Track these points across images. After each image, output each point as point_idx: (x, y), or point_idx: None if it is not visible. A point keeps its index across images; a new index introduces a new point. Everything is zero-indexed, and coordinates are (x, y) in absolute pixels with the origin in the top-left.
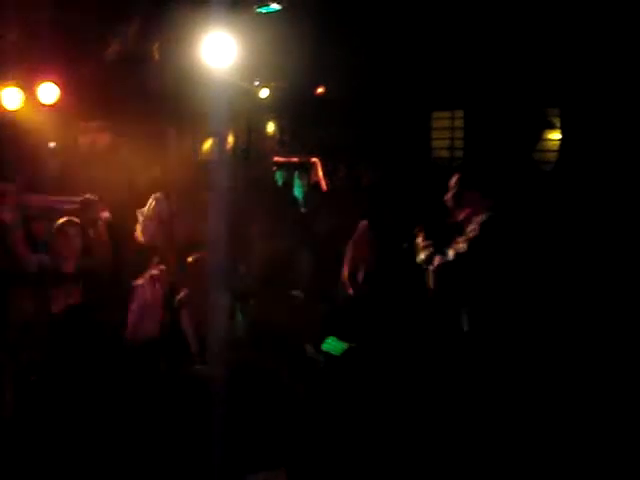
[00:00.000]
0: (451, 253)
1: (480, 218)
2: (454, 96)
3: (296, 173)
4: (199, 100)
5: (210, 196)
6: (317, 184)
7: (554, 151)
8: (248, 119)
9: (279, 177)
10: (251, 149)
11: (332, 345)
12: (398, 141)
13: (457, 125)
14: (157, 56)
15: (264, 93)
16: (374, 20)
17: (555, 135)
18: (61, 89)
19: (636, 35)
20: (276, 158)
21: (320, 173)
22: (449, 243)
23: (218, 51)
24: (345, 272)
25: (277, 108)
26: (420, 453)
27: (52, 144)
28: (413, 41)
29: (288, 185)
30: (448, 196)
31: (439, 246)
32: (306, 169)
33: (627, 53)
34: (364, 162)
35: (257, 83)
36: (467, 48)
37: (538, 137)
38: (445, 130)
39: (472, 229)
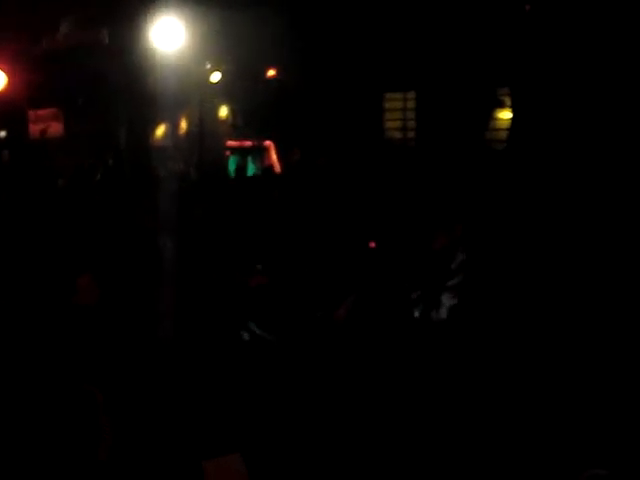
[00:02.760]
0: (443, 311)
1: (459, 256)
2: (406, 77)
3: (249, 157)
4: (150, 85)
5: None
6: (271, 167)
7: (505, 130)
8: (200, 104)
9: (233, 161)
10: (204, 134)
11: None
12: (351, 123)
13: (409, 106)
14: (106, 41)
15: (215, 77)
16: (326, 2)
17: (505, 114)
18: (8, 75)
19: (580, 13)
20: (229, 142)
21: (274, 156)
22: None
23: (167, 35)
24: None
25: (229, 92)
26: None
27: (1, 133)
28: (365, 23)
29: (242, 169)
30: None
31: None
32: (260, 153)
33: (573, 30)
34: (318, 144)
35: (208, 66)
36: (418, 29)
37: (489, 116)
38: (397, 111)
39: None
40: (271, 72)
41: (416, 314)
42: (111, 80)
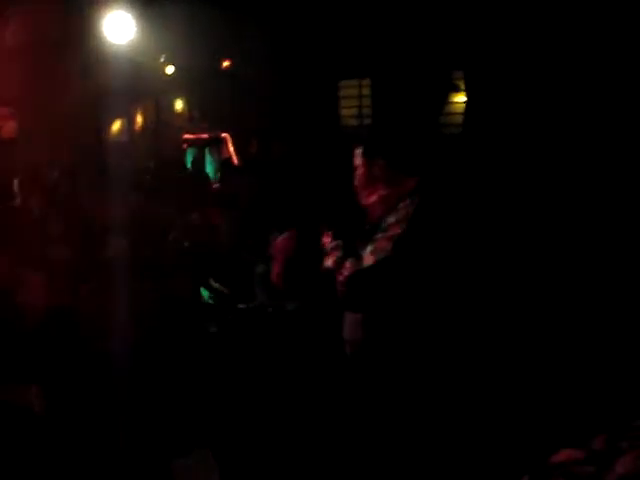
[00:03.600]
0: (368, 257)
1: (404, 206)
2: (361, 64)
3: (207, 149)
4: (104, 80)
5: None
6: (229, 159)
7: (460, 114)
8: (156, 97)
9: (190, 154)
10: (160, 128)
11: None
12: (307, 112)
13: (365, 93)
14: (61, 37)
15: (170, 70)
16: None
17: (460, 98)
18: None
19: None
20: (186, 135)
21: (231, 148)
22: (366, 241)
23: (118, 28)
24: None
25: (184, 85)
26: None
27: None
28: (318, 11)
29: (199, 162)
30: (357, 180)
31: (352, 247)
32: (217, 145)
33: (526, 12)
34: (274, 135)
35: (162, 60)
36: (371, 15)
37: (444, 101)
38: (353, 99)
39: (394, 222)
40: (225, 63)
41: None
42: (64, 75)
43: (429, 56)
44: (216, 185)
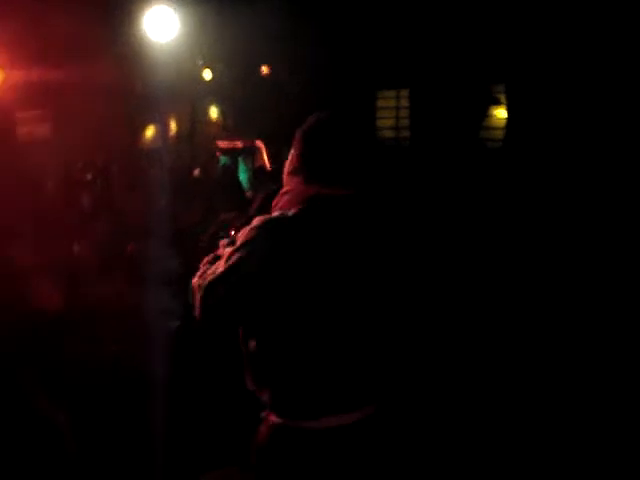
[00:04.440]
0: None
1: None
2: (399, 75)
3: (240, 157)
4: (142, 84)
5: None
6: (262, 168)
7: (500, 128)
8: (192, 103)
9: (223, 162)
10: (195, 134)
11: None
12: None
13: (403, 104)
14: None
15: (208, 75)
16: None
17: (501, 112)
18: (5, 73)
19: (579, 9)
20: (219, 143)
21: (265, 157)
22: None
23: (160, 28)
24: None
25: (220, 91)
26: None
27: None
28: (358, 20)
29: (232, 170)
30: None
31: None
32: (251, 153)
33: (570, 27)
34: None
35: (200, 63)
36: (412, 26)
37: (484, 114)
38: (390, 109)
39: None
40: (265, 69)
41: None
42: (105, 77)
43: (470, 68)
44: (248, 193)
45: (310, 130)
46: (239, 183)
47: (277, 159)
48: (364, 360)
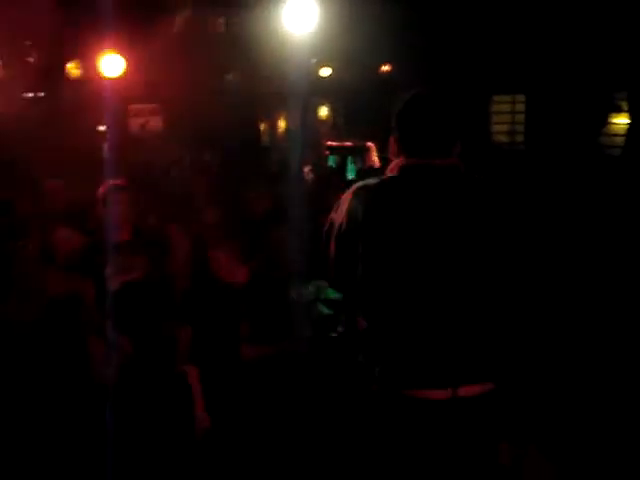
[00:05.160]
0: None
1: None
2: (515, 80)
3: (349, 157)
4: (266, 80)
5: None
6: (371, 168)
7: (621, 135)
8: (305, 101)
9: (331, 161)
10: (305, 133)
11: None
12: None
13: (518, 109)
14: (223, 29)
15: (325, 72)
16: (439, 2)
17: (622, 119)
18: (128, 63)
19: None
20: (329, 142)
21: (375, 157)
22: None
23: (299, 17)
24: None
25: (334, 89)
26: None
27: (102, 127)
28: (475, 24)
29: (340, 169)
30: None
31: None
32: (361, 153)
33: None
34: None
35: (314, 60)
36: (529, 30)
37: (604, 121)
38: (506, 114)
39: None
40: (385, 67)
41: None
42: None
43: (591, 75)
44: None
45: (404, 108)
46: (347, 182)
47: (387, 160)
48: (468, 331)
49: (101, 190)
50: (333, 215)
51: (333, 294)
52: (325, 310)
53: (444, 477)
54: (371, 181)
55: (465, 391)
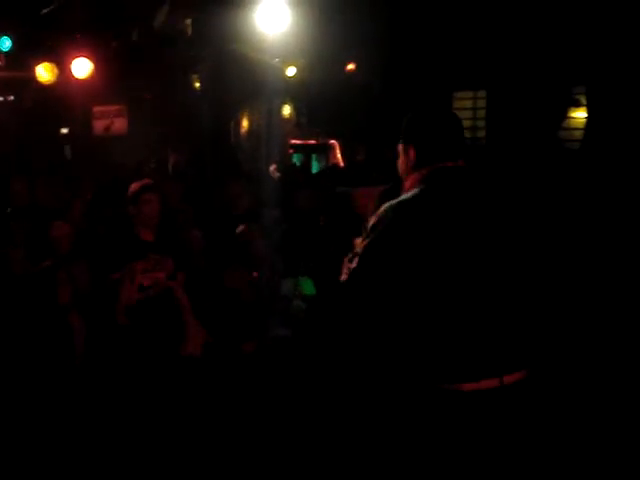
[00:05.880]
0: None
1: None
2: (476, 76)
3: (314, 155)
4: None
5: None
6: (335, 166)
7: (580, 129)
8: (269, 100)
9: (296, 160)
10: (270, 132)
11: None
12: None
13: (479, 105)
14: (189, 32)
15: (291, 71)
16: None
17: (581, 113)
18: (95, 66)
19: None
20: (293, 141)
21: (338, 155)
22: None
23: (266, 17)
24: None
25: (297, 88)
26: None
27: (64, 130)
28: (435, 20)
29: (305, 168)
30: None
31: None
32: (324, 152)
33: None
34: (384, 144)
35: (277, 60)
36: (489, 26)
37: (563, 115)
38: (467, 110)
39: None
40: (350, 66)
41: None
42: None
43: (550, 70)
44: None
45: (425, 119)
46: (317, 179)
47: (350, 158)
48: (511, 324)
49: (130, 189)
50: (368, 237)
51: (310, 291)
52: (302, 306)
53: (500, 465)
54: (401, 199)
55: (508, 379)
